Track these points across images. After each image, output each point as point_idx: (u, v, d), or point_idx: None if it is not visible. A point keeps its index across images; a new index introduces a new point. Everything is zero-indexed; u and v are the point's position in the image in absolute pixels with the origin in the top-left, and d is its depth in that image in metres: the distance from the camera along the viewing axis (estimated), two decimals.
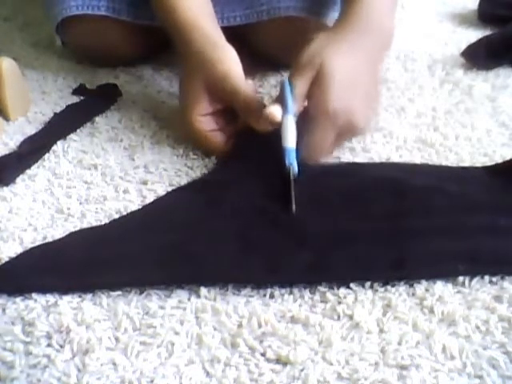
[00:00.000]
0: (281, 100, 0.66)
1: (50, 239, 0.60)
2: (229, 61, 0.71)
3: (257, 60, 0.90)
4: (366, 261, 0.55)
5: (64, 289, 0.54)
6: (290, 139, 0.64)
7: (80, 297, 0.54)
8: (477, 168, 0.68)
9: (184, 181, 0.68)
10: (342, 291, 0.53)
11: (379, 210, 0.60)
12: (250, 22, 0.87)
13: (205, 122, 0.71)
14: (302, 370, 0.47)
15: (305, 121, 0.66)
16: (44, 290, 0.54)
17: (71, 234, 0.60)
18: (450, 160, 0.71)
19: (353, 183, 0.64)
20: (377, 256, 0.55)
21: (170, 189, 0.67)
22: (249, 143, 0.68)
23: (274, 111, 0.65)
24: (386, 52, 0.74)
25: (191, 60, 0.72)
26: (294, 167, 0.62)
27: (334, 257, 0.55)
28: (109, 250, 0.58)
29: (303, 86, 0.66)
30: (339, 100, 0.64)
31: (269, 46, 0.89)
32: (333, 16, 0.86)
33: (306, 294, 0.54)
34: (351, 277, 0.54)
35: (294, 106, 0.66)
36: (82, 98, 0.87)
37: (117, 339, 0.50)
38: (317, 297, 0.53)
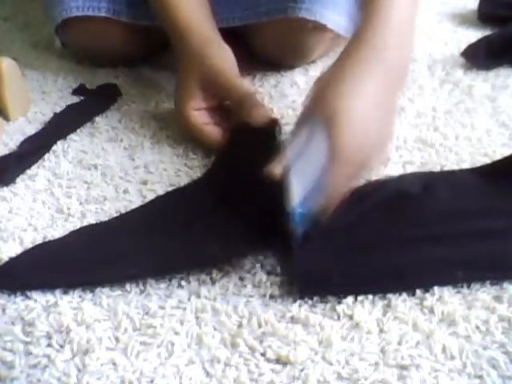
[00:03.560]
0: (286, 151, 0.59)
1: (50, 239, 0.60)
2: (223, 57, 0.73)
3: (256, 60, 0.91)
4: (365, 273, 0.54)
5: (64, 286, 0.54)
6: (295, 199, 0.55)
7: (80, 297, 0.54)
8: (470, 170, 0.68)
9: (184, 181, 0.68)
10: None
11: (376, 222, 0.59)
12: (248, 22, 0.87)
13: (199, 115, 0.72)
14: (301, 370, 0.47)
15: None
16: (45, 287, 0.54)
17: (71, 233, 0.61)
18: (450, 160, 0.71)
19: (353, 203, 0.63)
20: (376, 267, 0.55)
21: (170, 189, 0.67)
22: (244, 140, 0.68)
23: (274, 169, 0.57)
24: (404, 78, 0.64)
25: (187, 57, 0.73)
26: (299, 232, 0.55)
27: (333, 269, 0.55)
28: (109, 248, 0.58)
29: None
30: (351, 147, 0.56)
31: (267, 47, 0.89)
32: (333, 18, 0.86)
33: None
34: (350, 290, 0.53)
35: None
36: (82, 98, 0.87)
37: (117, 339, 0.50)
38: (316, 297, 0.53)
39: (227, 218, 0.60)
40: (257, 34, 0.88)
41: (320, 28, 0.85)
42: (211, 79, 0.71)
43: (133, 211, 0.64)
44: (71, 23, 0.88)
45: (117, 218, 0.63)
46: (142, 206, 0.64)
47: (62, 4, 0.87)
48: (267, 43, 0.88)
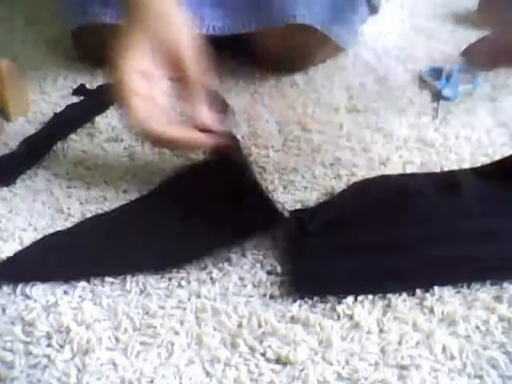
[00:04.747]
0: None
1: None
2: (193, 34, 0.63)
3: (256, 62, 0.91)
4: (366, 273, 0.54)
5: (66, 278, 0.55)
6: None
7: (80, 297, 0.54)
8: (470, 170, 0.68)
9: None
10: None
11: (376, 221, 0.59)
12: (263, 27, 0.86)
13: (138, 81, 0.59)
14: (301, 370, 0.47)
15: None
16: (47, 279, 0.55)
17: (74, 227, 0.61)
18: (450, 160, 0.71)
19: (353, 200, 0.63)
20: (376, 267, 0.55)
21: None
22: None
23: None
24: None
25: (145, 19, 0.61)
26: None
27: (333, 269, 0.55)
28: (110, 241, 0.59)
29: None
30: None
31: (270, 51, 0.89)
32: (336, 30, 0.87)
33: None
34: (350, 290, 0.53)
35: None
36: (82, 97, 0.87)
37: (117, 339, 0.50)
38: (316, 297, 0.53)
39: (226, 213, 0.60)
40: (261, 38, 0.88)
41: (324, 37, 0.86)
42: (169, 45, 0.60)
43: (134, 203, 0.65)
44: (85, 27, 0.88)
45: (116, 210, 0.64)
46: (140, 199, 0.65)
47: (79, 8, 0.87)
48: (270, 48, 0.88)
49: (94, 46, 0.90)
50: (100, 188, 0.68)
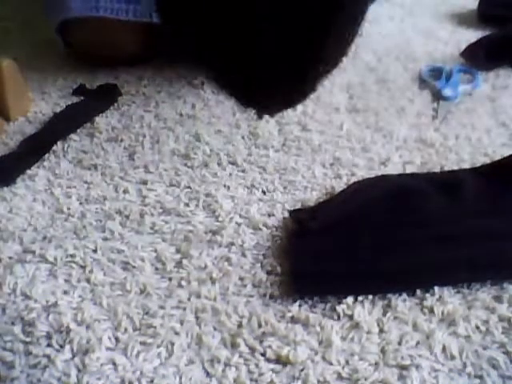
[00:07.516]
0: None
1: (49, 239, 0.60)
2: None
3: None
4: (366, 273, 0.54)
5: None
6: None
7: (80, 297, 0.54)
8: (470, 170, 0.68)
9: (184, 181, 0.68)
10: None
11: (376, 221, 0.60)
12: None
13: None
14: (302, 370, 0.47)
15: None
16: None
17: None
18: (450, 160, 0.71)
19: (353, 200, 0.63)
20: (376, 267, 0.55)
21: (170, 189, 0.67)
22: None
23: None
24: None
25: None
26: None
27: (334, 269, 0.55)
28: None
29: None
30: None
31: None
32: None
33: None
34: (350, 290, 0.53)
35: None
36: (82, 98, 0.87)
37: (117, 339, 0.50)
38: (316, 297, 0.53)
39: None
40: None
41: None
42: None
43: None
44: (71, 23, 0.88)
45: None
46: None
47: (60, 5, 0.87)
48: None
49: (79, 41, 0.90)
50: (100, 188, 0.68)
